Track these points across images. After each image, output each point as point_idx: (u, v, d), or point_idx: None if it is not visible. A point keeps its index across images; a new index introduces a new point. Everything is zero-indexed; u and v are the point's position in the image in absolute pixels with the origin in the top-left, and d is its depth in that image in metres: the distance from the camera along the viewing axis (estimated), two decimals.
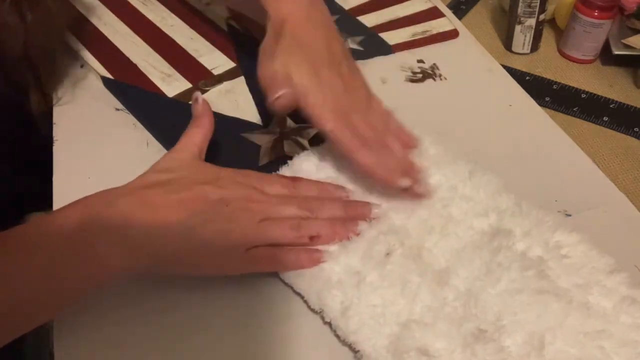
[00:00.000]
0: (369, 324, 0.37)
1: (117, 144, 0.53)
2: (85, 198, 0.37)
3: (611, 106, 0.63)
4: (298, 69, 0.41)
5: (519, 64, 0.69)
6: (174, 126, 0.52)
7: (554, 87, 0.65)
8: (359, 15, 0.68)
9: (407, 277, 0.38)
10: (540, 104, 0.57)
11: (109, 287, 0.39)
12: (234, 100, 0.56)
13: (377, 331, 0.37)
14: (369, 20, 0.67)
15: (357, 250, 0.40)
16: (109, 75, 0.58)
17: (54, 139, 0.53)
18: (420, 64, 0.61)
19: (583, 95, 0.64)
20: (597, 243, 0.41)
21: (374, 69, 0.61)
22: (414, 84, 0.59)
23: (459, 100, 0.57)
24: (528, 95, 0.58)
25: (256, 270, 0.40)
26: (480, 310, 0.37)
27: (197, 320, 0.40)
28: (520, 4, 0.66)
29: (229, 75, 0.59)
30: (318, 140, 0.50)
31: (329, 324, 0.39)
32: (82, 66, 0.60)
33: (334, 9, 0.69)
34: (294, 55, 0.42)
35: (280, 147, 0.51)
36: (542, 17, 0.67)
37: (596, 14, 0.64)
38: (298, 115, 0.52)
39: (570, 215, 0.46)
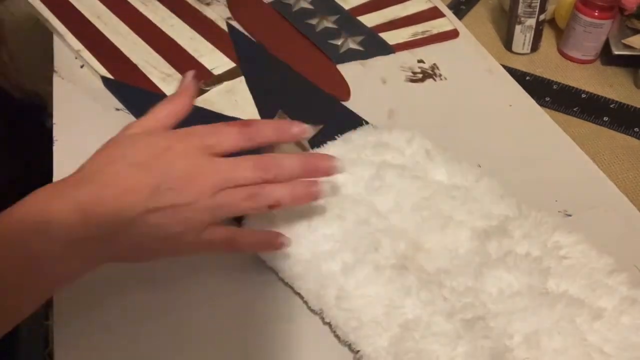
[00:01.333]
0: (369, 324, 0.37)
1: None
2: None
3: (611, 106, 0.63)
4: None
5: (519, 64, 0.69)
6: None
7: (554, 87, 0.65)
8: (359, 15, 0.68)
9: (404, 275, 0.38)
10: (540, 104, 0.57)
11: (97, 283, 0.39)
12: (234, 100, 0.56)
13: (377, 332, 0.36)
14: (369, 20, 0.67)
15: (353, 248, 0.40)
16: (109, 76, 0.58)
17: (54, 139, 0.53)
18: (420, 64, 0.61)
19: (583, 95, 0.64)
20: (597, 243, 0.41)
21: (374, 69, 0.61)
22: (414, 84, 0.59)
23: (459, 100, 0.57)
24: (528, 95, 0.58)
25: (214, 251, 0.37)
26: (479, 311, 0.37)
27: (197, 321, 0.40)
28: (520, 4, 0.66)
29: (229, 76, 0.59)
30: (318, 141, 0.50)
31: (329, 325, 0.39)
32: (82, 66, 0.60)
33: (334, 8, 0.69)
34: None
35: (280, 147, 0.51)
36: (542, 17, 0.67)
37: (596, 14, 0.64)
38: (300, 114, 0.53)
39: (570, 215, 0.46)
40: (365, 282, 0.38)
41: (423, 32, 0.65)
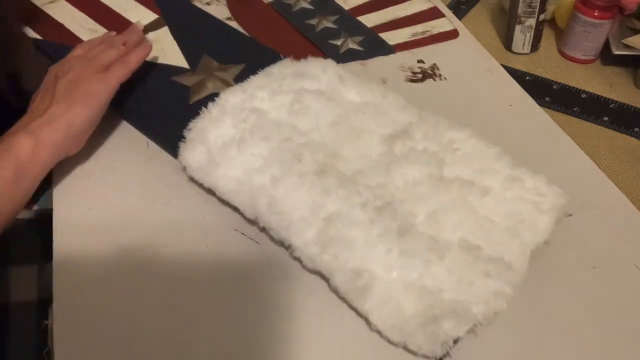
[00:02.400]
0: (298, 222, 0.42)
1: (117, 144, 0.53)
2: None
3: (611, 106, 0.63)
4: None
5: (519, 64, 0.69)
6: None
7: (554, 87, 0.65)
8: (358, 15, 0.68)
9: (324, 178, 0.43)
10: (540, 104, 0.57)
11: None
12: (160, 48, 0.60)
13: (305, 227, 0.41)
14: (369, 20, 0.67)
15: (279, 162, 0.45)
16: (39, 37, 0.61)
17: None
18: (420, 64, 0.61)
19: (583, 95, 0.64)
20: (597, 243, 0.43)
21: (374, 69, 0.61)
22: (414, 84, 0.59)
23: (459, 100, 0.57)
24: (528, 95, 0.58)
25: (122, 75, 0.50)
26: (388, 200, 0.43)
27: (197, 320, 0.40)
28: (520, 4, 0.66)
29: (153, 27, 0.63)
30: (243, 77, 0.53)
31: (264, 229, 0.44)
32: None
33: (334, 8, 0.69)
34: None
35: (207, 86, 0.55)
36: (542, 17, 0.67)
37: (596, 14, 0.64)
38: (223, 56, 0.59)
39: (570, 215, 0.46)
40: (291, 189, 0.43)
41: (423, 32, 0.65)
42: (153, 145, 0.52)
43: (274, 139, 0.46)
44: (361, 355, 0.39)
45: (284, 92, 0.50)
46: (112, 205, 0.47)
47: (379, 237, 0.41)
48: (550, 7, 0.70)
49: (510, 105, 0.57)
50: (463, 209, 0.42)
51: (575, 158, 0.52)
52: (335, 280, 0.40)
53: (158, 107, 0.54)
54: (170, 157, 0.51)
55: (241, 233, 0.45)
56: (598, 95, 0.64)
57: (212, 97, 0.51)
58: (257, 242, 0.45)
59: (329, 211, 0.42)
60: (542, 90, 0.64)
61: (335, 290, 0.40)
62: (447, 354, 0.37)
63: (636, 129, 0.60)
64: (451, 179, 0.44)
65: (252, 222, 0.45)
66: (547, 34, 0.72)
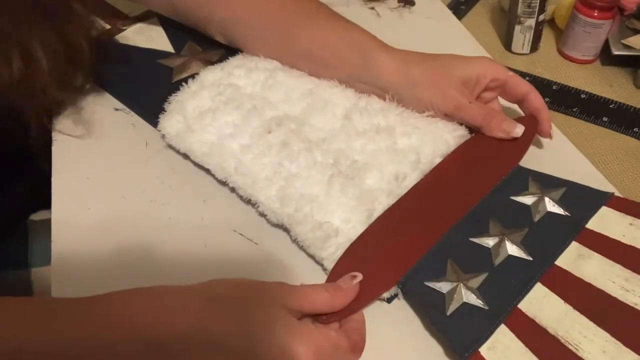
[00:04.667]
0: (262, 180, 0.46)
1: (117, 144, 0.53)
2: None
3: (611, 106, 0.62)
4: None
5: (519, 64, 0.69)
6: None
7: (554, 87, 0.65)
8: None
9: (289, 146, 0.47)
10: None
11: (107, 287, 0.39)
12: (148, 35, 0.63)
13: (268, 185, 0.45)
14: None
15: (250, 133, 0.49)
16: None
17: (54, 139, 0.53)
18: None
19: (583, 96, 0.64)
20: None
21: None
22: None
23: None
24: None
25: None
26: (348, 163, 0.47)
27: None
28: (520, 4, 0.66)
29: (143, 17, 0.66)
30: (225, 58, 0.58)
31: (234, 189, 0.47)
32: None
33: None
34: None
35: (190, 67, 0.58)
36: (541, 17, 0.67)
37: (596, 14, 0.64)
38: (207, 42, 0.62)
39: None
40: (259, 155, 0.47)
41: None
42: (152, 145, 0.52)
43: (246, 107, 0.51)
44: (362, 356, 0.38)
45: (260, 70, 0.55)
46: (111, 205, 0.47)
47: (338, 194, 0.45)
48: (549, 7, 0.70)
49: (510, 107, 0.57)
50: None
51: (575, 158, 0.52)
52: (295, 231, 0.44)
53: (143, 85, 0.57)
54: (169, 157, 0.51)
55: (240, 234, 0.45)
56: (598, 96, 0.64)
57: (193, 76, 0.56)
58: (255, 243, 0.45)
59: (290, 173, 0.46)
60: (541, 91, 0.64)
61: (295, 240, 0.44)
62: (395, 295, 0.41)
63: (636, 129, 0.59)
64: (403, 148, 0.49)
65: (252, 223, 0.45)
66: (547, 34, 0.72)
